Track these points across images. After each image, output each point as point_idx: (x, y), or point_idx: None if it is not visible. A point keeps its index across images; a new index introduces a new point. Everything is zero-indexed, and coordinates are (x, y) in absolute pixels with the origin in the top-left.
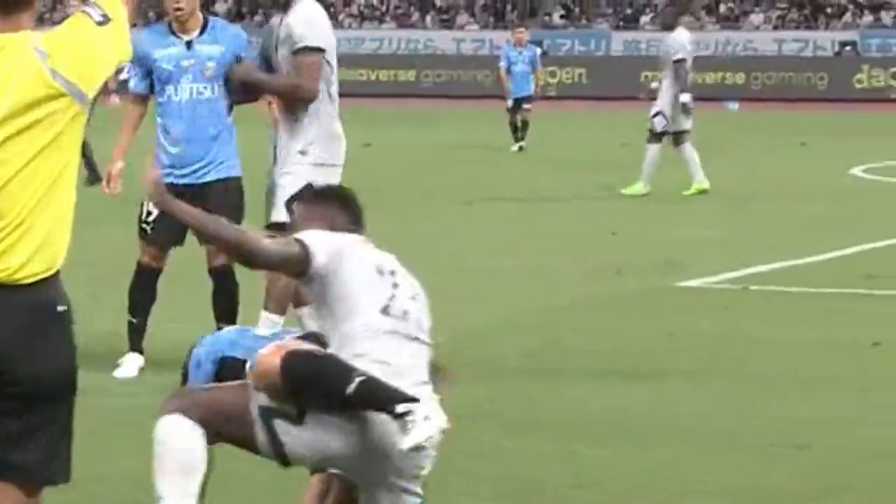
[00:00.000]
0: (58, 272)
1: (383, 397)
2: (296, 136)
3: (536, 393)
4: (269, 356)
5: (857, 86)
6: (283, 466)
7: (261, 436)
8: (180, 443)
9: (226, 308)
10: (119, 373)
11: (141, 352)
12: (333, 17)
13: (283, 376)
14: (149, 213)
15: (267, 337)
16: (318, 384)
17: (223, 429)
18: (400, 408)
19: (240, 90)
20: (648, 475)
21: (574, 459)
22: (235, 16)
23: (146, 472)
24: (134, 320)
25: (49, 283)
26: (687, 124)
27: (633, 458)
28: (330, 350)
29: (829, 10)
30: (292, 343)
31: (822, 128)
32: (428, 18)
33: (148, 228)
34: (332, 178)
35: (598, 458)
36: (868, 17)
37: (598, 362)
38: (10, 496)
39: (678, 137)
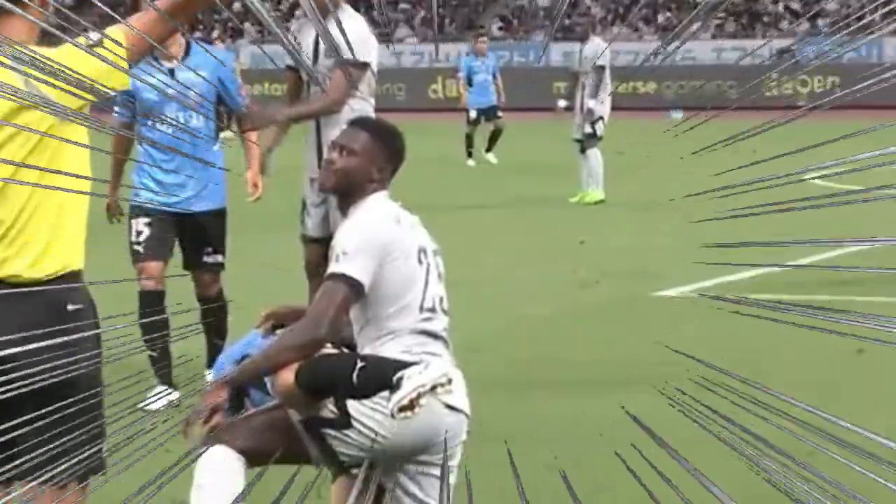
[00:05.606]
0: (78, 271)
1: (382, 375)
2: None
3: (534, 405)
4: (283, 373)
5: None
6: (341, 474)
7: (312, 449)
8: (222, 475)
9: (218, 325)
10: (148, 407)
11: (171, 384)
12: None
13: (298, 387)
14: (139, 233)
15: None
16: (328, 382)
17: (272, 451)
18: (395, 378)
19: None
20: (659, 483)
21: (583, 469)
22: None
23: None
24: (154, 353)
25: (62, 283)
26: (589, 129)
27: (643, 465)
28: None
29: (765, 19)
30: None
31: (768, 135)
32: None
33: (140, 248)
34: None
35: (614, 465)
36: (804, 25)
37: (593, 372)
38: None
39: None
